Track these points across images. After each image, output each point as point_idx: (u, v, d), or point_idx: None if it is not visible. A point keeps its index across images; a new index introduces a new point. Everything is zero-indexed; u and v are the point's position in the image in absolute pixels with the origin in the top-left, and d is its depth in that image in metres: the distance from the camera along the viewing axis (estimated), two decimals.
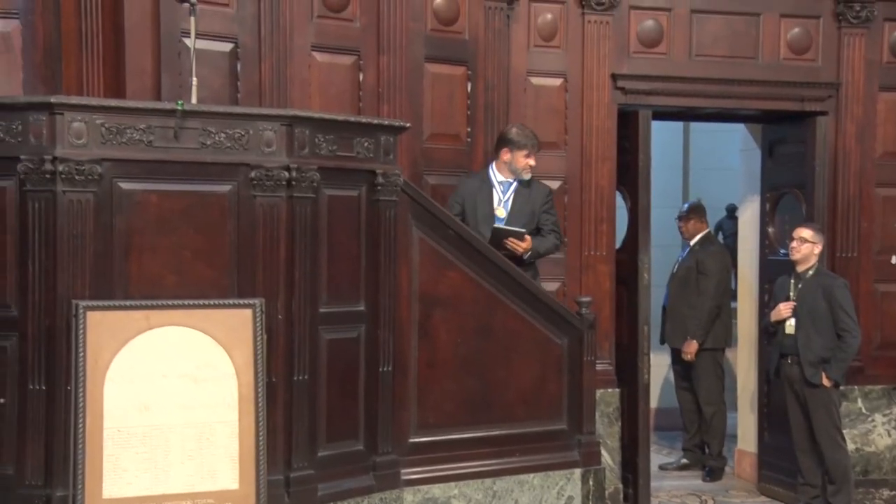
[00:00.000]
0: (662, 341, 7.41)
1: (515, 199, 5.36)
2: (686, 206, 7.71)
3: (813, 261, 5.91)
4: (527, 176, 5.39)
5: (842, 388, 6.03)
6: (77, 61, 4.66)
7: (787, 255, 6.76)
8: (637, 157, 6.31)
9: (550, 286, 5.91)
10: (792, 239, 5.97)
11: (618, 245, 6.41)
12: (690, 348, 7.12)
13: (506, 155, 5.37)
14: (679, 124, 9.88)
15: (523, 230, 5.18)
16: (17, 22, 4.53)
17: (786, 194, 6.84)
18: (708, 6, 6.43)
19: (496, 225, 5.28)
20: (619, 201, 6.45)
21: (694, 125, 9.87)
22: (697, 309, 7.12)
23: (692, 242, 7.38)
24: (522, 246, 5.17)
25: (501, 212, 5.36)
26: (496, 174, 5.40)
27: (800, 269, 5.90)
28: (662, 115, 6.74)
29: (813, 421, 5.82)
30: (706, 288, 7.13)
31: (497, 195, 5.36)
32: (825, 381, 5.73)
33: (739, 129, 7.43)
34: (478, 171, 5.56)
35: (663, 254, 7.11)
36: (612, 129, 6.27)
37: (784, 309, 5.87)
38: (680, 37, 6.40)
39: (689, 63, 6.42)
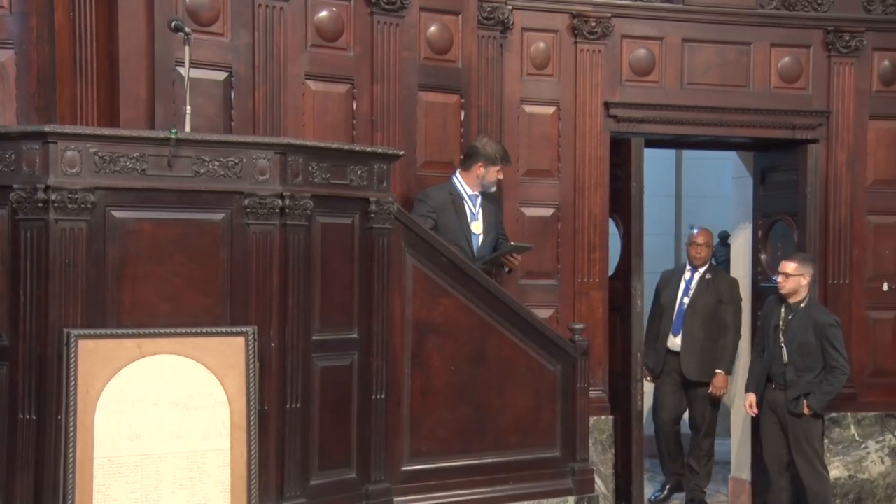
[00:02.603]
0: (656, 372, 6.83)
1: (484, 212, 5.32)
2: (696, 231, 6.99)
3: (804, 293, 5.91)
4: (493, 189, 5.41)
5: (834, 415, 6.03)
6: (71, 90, 4.67)
7: None
8: (630, 185, 6.34)
9: (544, 313, 5.92)
10: (778, 273, 6.01)
11: (611, 272, 6.42)
12: (722, 382, 6.60)
13: (480, 169, 5.32)
14: (671, 152, 9.93)
15: (531, 245, 5.37)
16: (11, 52, 4.55)
17: (778, 221, 6.87)
18: (699, 35, 6.49)
19: (512, 242, 5.43)
20: (612, 228, 6.47)
21: (686, 153, 9.91)
22: (724, 339, 6.63)
23: (703, 270, 6.78)
24: (519, 260, 5.20)
25: (477, 227, 5.31)
26: (465, 187, 5.32)
27: (791, 301, 5.90)
28: (655, 142, 6.79)
29: (792, 448, 5.84)
30: (732, 318, 6.67)
31: (469, 209, 5.30)
32: (806, 410, 5.76)
33: (731, 156, 7.47)
34: (439, 184, 5.44)
35: (657, 280, 7.08)
36: (605, 156, 6.31)
37: (750, 410, 6.04)
38: (672, 65, 6.46)
39: (680, 91, 6.47)
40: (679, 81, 6.48)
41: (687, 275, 6.78)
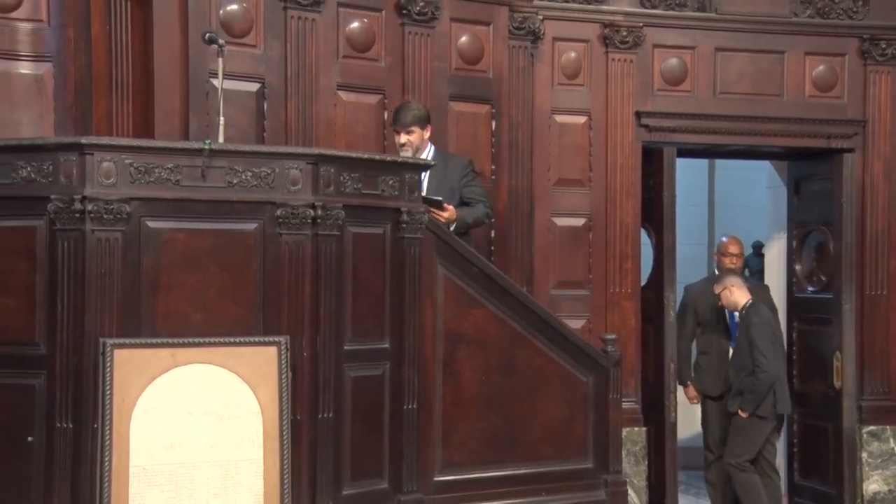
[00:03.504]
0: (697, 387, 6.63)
1: (430, 179, 4.98)
2: (727, 240, 6.79)
3: (742, 302, 6.02)
4: (405, 154, 4.97)
5: (873, 428, 5.96)
6: (107, 102, 4.74)
7: (815, 291, 6.72)
8: (662, 194, 6.31)
9: (575, 324, 5.89)
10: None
11: (643, 282, 6.38)
12: None
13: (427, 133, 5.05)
14: (704, 161, 9.87)
15: (440, 199, 4.83)
16: (49, 65, 4.62)
17: (813, 231, 6.80)
18: (732, 44, 6.46)
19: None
20: (644, 238, 6.44)
21: (719, 162, 9.85)
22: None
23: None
24: (444, 216, 4.84)
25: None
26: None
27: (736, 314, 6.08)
28: (687, 152, 6.75)
29: (727, 443, 6.04)
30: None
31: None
32: (741, 413, 5.86)
33: (765, 165, 7.41)
34: None
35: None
36: (637, 166, 6.28)
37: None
38: (704, 74, 6.43)
39: (713, 100, 6.44)
40: (711, 90, 6.44)
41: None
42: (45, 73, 4.62)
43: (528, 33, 6.01)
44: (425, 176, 4.94)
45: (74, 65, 4.63)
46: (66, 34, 4.63)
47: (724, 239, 6.80)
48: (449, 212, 4.89)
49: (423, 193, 4.86)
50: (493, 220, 5.18)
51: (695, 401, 6.57)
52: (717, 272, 6.71)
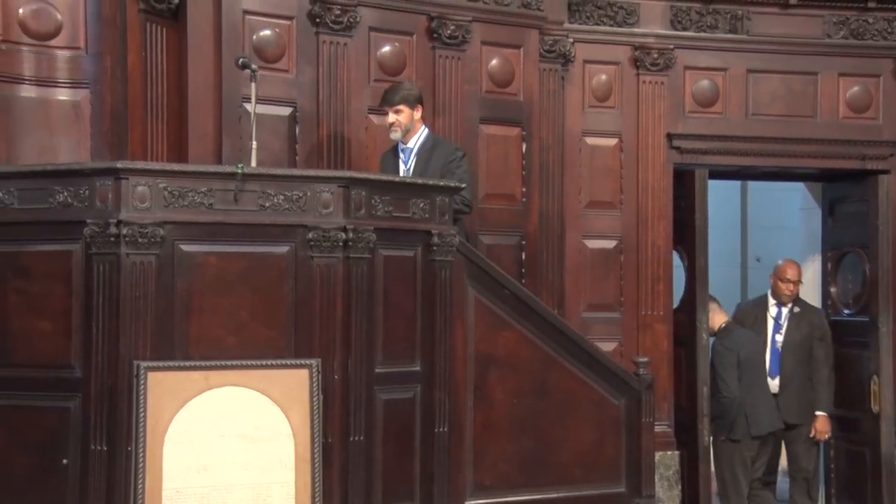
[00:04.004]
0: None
1: (416, 165, 4.91)
2: (782, 263, 6.42)
3: (716, 325, 6.08)
4: (393, 135, 4.91)
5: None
6: (142, 127, 4.80)
7: (851, 315, 6.65)
8: (694, 216, 6.28)
9: (607, 346, 5.86)
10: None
11: (675, 305, 6.34)
12: (825, 425, 6.13)
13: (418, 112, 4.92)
14: (736, 183, 9.82)
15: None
16: (86, 91, 4.70)
17: (848, 253, 6.73)
18: (764, 66, 6.44)
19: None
20: (676, 260, 6.40)
21: (752, 184, 9.79)
22: (819, 378, 6.15)
23: (791, 306, 6.26)
24: None
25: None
26: (400, 142, 4.95)
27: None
28: (719, 173, 6.72)
29: None
30: (825, 353, 6.19)
31: (402, 165, 4.94)
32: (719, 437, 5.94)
33: (799, 187, 7.36)
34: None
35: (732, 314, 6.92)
36: (668, 188, 6.26)
37: None
38: (736, 96, 6.41)
39: (745, 122, 6.41)
40: (744, 112, 6.42)
41: (773, 310, 6.25)
42: (82, 99, 4.70)
43: (559, 56, 6.03)
44: (411, 160, 4.89)
45: (111, 91, 4.70)
46: (103, 62, 4.71)
47: (780, 262, 6.38)
48: None
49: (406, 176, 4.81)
50: (469, 210, 4.91)
51: None
52: (770, 295, 6.31)
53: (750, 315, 6.41)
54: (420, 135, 4.92)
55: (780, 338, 6.22)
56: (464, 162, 4.94)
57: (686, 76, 6.36)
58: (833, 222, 6.88)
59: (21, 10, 4.59)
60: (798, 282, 6.22)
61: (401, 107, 4.85)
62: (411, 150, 4.90)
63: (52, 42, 4.67)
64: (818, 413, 6.13)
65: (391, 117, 4.86)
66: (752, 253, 9.89)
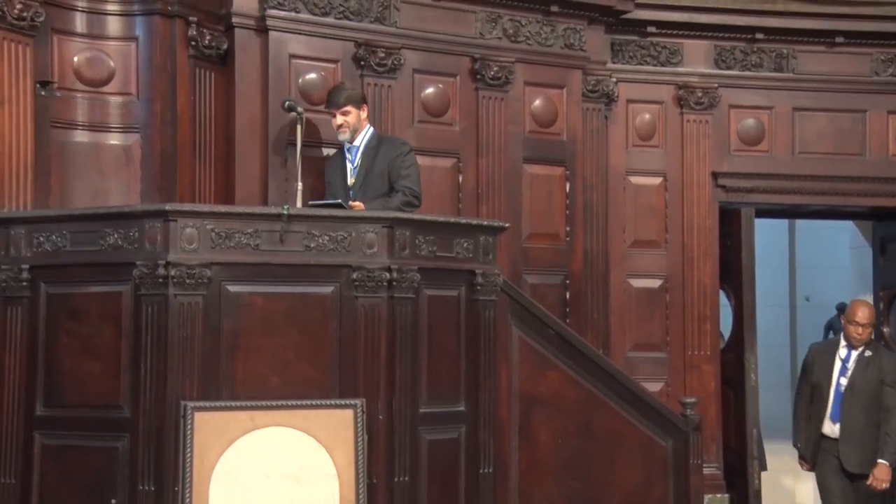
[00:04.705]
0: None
1: (362, 163, 4.82)
2: (851, 305, 5.94)
3: None
4: (341, 137, 4.83)
5: None
6: (191, 170, 4.89)
7: None
8: (740, 255, 6.22)
9: (653, 386, 5.80)
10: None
11: (722, 345, 6.27)
12: (885, 474, 5.58)
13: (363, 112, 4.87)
14: (783, 221, 9.72)
15: (338, 201, 4.46)
16: (137, 135, 4.80)
17: None
18: (811, 104, 6.39)
19: (310, 201, 4.65)
20: (723, 300, 6.34)
21: (800, 222, 9.68)
22: (887, 426, 5.63)
23: (862, 349, 5.76)
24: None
25: (351, 181, 4.84)
26: (346, 142, 4.88)
27: None
28: (766, 212, 6.66)
29: None
30: (894, 400, 5.64)
31: (349, 164, 4.85)
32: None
33: (848, 226, 7.28)
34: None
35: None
36: (714, 227, 6.22)
37: None
38: (782, 134, 6.37)
39: (792, 160, 6.36)
40: (790, 150, 6.37)
41: (842, 352, 5.80)
42: (133, 143, 4.80)
43: (602, 96, 6.04)
44: (357, 158, 4.81)
45: (160, 135, 4.80)
46: (153, 107, 4.81)
47: (850, 303, 5.96)
48: (357, 209, 4.54)
49: (353, 179, 4.78)
50: (416, 207, 4.75)
51: (806, 468, 6.15)
52: (842, 337, 5.80)
53: (819, 354, 6.16)
54: (365, 133, 4.87)
55: (844, 381, 5.97)
56: (410, 157, 4.86)
57: (731, 115, 6.34)
58: (884, 261, 6.77)
59: (76, 59, 4.71)
60: (868, 325, 5.74)
61: (348, 108, 4.79)
62: (357, 148, 4.84)
63: (105, 88, 4.78)
64: (879, 461, 5.87)
65: (339, 119, 4.80)
66: (800, 292, 9.76)
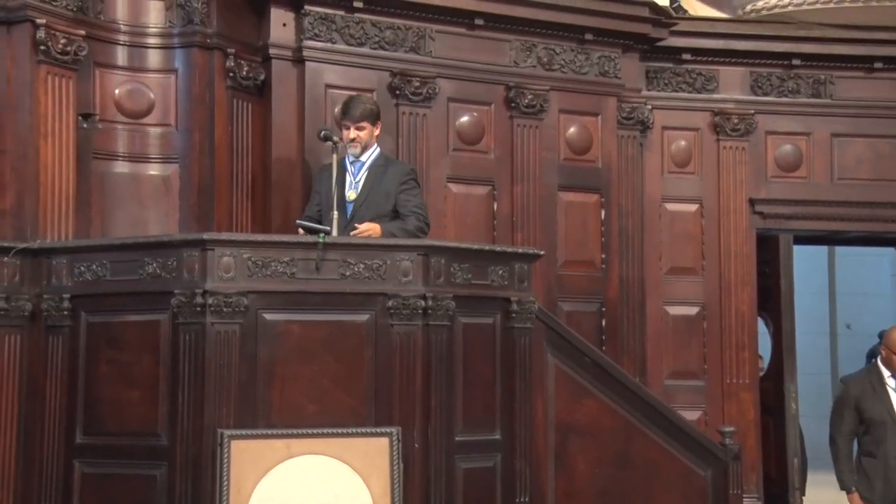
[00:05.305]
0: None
1: (367, 179, 4.72)
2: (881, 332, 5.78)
3: None
4: (351, 150, 4.70)
5: None
6: (228, 200, 4.94)
7: None
8: (779, 282, 6.17)
9: (691, 415, 5.73)
10: None
11: (761, 373, 6.20)
12: None
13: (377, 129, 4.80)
14: (823, 248, 9.61)
15: (327, 228, 4.27)
16: (176, 166, 4.86)
17: None
18: (849, 130, 6.34)
19: (298, 220, 4.56)
20: (761, 327, 6.27)
21: (839, 249, 9.57)
22: None
23: None
24: (366, 233, 4.45)
25: (353, 194, 4.71)
26: (349, 154, 4.75)
27: None
28: (804, 239, 6.59)
29: None
30: None
31: (349, 177, 4.73)
32: None
33: (889, 252, 7.17)
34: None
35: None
36: (752, 253, 6.17)
37: None
38: (820, 160, 6.31)
39: (830, 187, 6.30)
40: (829, 176, 6.32)
41: (891, 381, 5.54)
42: (171, 173, 4.87)
43: (637, 123, 6.04)
44: (361, 173, 4.72)
45: (199, 165, 4.87)
46: (192, 138, 4.88)
47: (888, 332, 5.64)
48: (372, 229, 4.49)
49: (355, 194, 4.67)
50: (426, 232, 4.69)
51: None
52: (882, 365, 5.51)
53: (863, 390, 5.94)
54: (373, 151, 4.78)
55: None
56: (418, 182, 4.83)
57: (768, 141, 6.30)
58: None
59: (117, 91, 4.80)
60: None
61: (363, 123, 4.71)
62: (363, 163, 4.73)
63: (145, 119, 4.86)
64: None
65: (353, 133, 4.70)
66: (840, 320, 9.63)
